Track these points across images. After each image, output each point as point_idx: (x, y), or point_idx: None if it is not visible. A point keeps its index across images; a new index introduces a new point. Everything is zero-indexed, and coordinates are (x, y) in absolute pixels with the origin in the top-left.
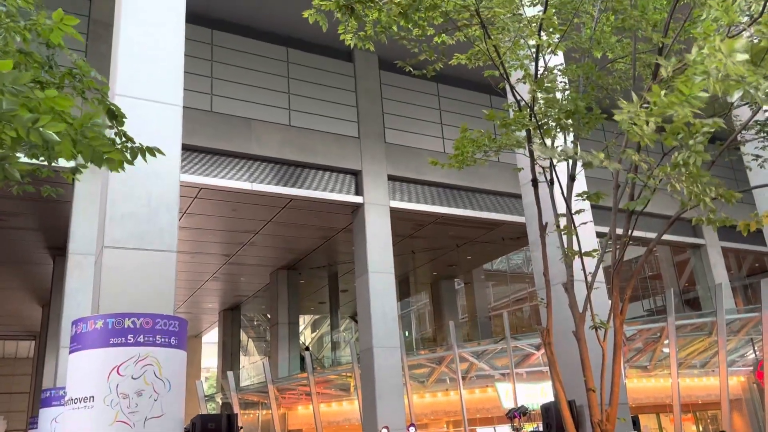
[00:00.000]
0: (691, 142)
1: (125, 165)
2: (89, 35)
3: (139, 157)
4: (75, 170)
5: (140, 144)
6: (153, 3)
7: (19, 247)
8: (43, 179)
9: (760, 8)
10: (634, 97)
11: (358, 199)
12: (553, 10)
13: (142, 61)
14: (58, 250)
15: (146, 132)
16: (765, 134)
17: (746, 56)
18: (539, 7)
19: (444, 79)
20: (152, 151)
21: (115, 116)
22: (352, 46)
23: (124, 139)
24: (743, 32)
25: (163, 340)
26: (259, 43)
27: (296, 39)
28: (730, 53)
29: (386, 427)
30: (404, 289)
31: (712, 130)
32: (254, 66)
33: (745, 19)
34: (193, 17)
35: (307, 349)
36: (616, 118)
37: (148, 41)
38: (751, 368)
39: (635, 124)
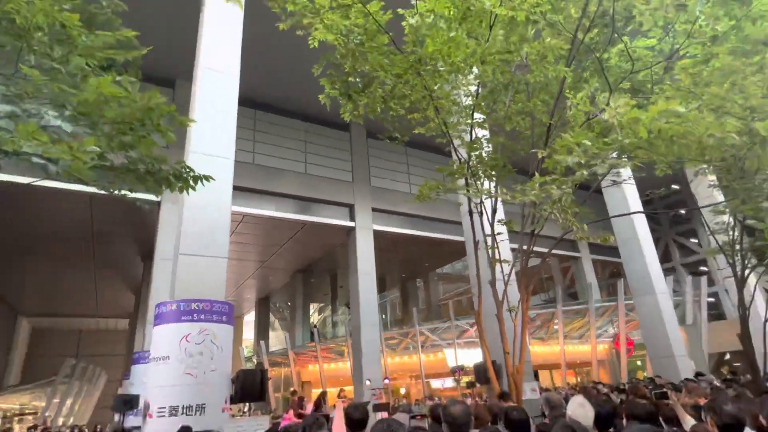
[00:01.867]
0: (564, 186)
1: (194, 199)
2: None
3: (205, 194)
4: (170, 184)
5: (199, 174)
6: (216, 90)
7: (121, 254)
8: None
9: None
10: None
11: (351, 224)
12: (482, 102)
13: (208, 128)
14: (147, 257)
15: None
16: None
17: (576, 159)
18: (473, 94)
19: (410, 143)
20: (207, 177)
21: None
22: (348, 120)
23: (188, 169)
24: (600, 115)
25: (217, 318)
26: (285, 118)
27: (311, 115)
28: (572, 149)
29: (369, 380)
30: (382, 285)
31: (579, 180)
32: (282, 133)
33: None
34: (241, 100)
35: (315, 326)
36: (518, 197)
37: (213, 115)
38: (611, 339)
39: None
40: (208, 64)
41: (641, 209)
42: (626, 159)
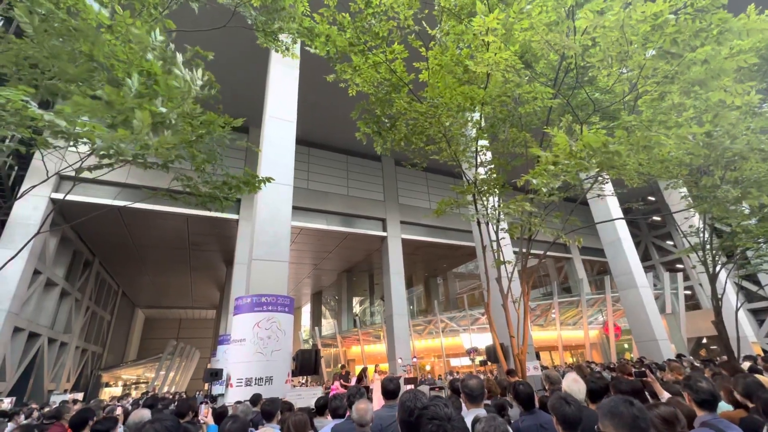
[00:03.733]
0: (534, 203)
1: (263, 216)
2: (247, 152)
3: (271, 212)
4: (245, 187)
5: (264, 177)
6: (279, 134)
7: (210, 260)
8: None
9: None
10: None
11: (384, 234)
12: (485, 133)
13: (273, 162)
14: (229, 262)
15: (275, 198)
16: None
17: (542, 181)
18: (477, 127)
19: (429, 169)
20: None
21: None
22: (380, 152)
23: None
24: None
25: (282, 308)
26: (331, 153)
27: (351, 150)
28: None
29: (400, 358)
30: (409, 282)
31: (541, 199)
32: (329, 164)
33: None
34: (298, 140)
35: (357, 315)
36: (507, 209)
37: (277, 152)
38: (601, 326)
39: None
40: (272, 114)
41: (622, 217)
42: (602, 176)
